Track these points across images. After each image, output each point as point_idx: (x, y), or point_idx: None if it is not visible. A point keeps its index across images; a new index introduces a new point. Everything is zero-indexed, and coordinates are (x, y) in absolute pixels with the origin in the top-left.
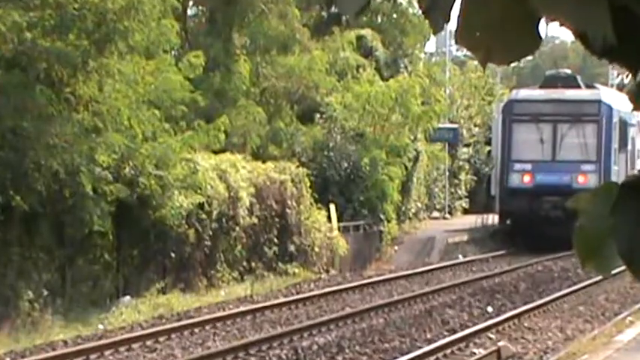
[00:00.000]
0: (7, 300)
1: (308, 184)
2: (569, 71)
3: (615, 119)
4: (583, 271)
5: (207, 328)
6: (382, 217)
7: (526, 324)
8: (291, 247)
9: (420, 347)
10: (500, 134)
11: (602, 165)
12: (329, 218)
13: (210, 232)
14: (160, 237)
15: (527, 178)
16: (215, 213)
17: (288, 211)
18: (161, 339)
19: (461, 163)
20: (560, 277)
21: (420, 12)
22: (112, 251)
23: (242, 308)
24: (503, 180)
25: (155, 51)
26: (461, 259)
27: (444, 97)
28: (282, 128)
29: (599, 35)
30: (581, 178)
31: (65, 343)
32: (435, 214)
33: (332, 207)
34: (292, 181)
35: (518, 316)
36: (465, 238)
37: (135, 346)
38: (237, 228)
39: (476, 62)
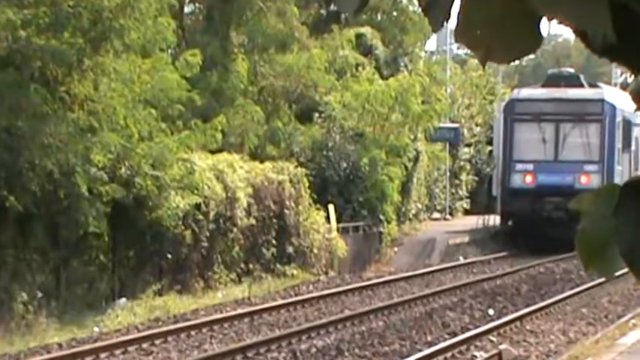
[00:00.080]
0: (1, 302)
1: (307, 184)
2: (571, 70)
3: (619, 119)
4: (586, 273)
5: (204, 330)
6: (382, 218)
7: (528, 327)
8: (290, 249)
9: (421, 350)
10: (502, 134)
11: (606, 165)
12: (328, 219)
13: (208, 233)
14: (156, 238)
15: (529, 179)
16: (212, 214)
17: (286, 211)
18: (157, 342)
19: (462, 163)
20: (563, 279)
21: (420, 10)
22: (108, 252)
23: (239, 310)
24: (505, 180)
25: (151, 49)
26: (462, 260)
27: (445, 96)
28: (280, 128)
29: (599, 34)
30: (583, 179)
31: (60, 345)
32: (436, 215)
33: (331, 208)
34: (291, 181)
35: (520, 318)
36: (466, 239)
37: (131, 349)
38: (235, 229)
39: (477, 61)
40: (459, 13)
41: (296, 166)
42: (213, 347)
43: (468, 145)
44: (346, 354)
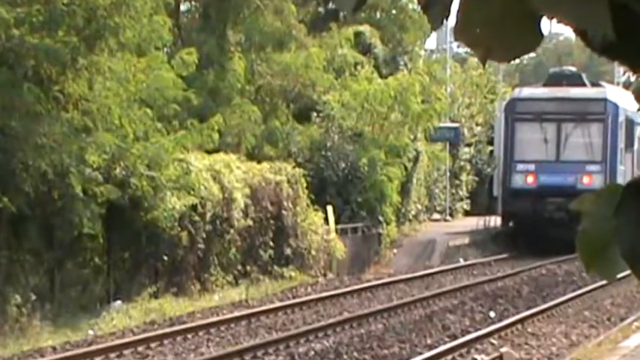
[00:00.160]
0: None
1: (304, 185)
2: (573, 69)
3: (621, 118)
4: (588, 275)
5: (201, 333)
6: (381, 219)
7: (529, 329)
8: (287, 250)
9: (420, 353)
10: (503, 134)
11: (608, 165)
12: (326, 220)
13: (204, 235)
14: (151, 240)
15: (530, 179)
16: (209, 215)
17: (284, 212)
18: (153, 345)
19: (462, 163)
20: (565, 280)
21: (419, 7)
22: (103, 254)
23: (236, 313)
24: (506, 181)
25: (147, 48)
26: (462, 262)
27: (445, 96)
28: (277, 127)
29: (598, 34)
30: (586, 179)
31: (54, 349)
32: (436, 215)
33: (329, 209)
34: (288, 182)
35: (521, 321)
36: (467, 240)
37: (126, 352)
38: (232, 230)
39: (477, 59)
40: (458, 11)
41: (294, 167)
42: (209, 350)
43: (469, 145)
44: (345, 357)
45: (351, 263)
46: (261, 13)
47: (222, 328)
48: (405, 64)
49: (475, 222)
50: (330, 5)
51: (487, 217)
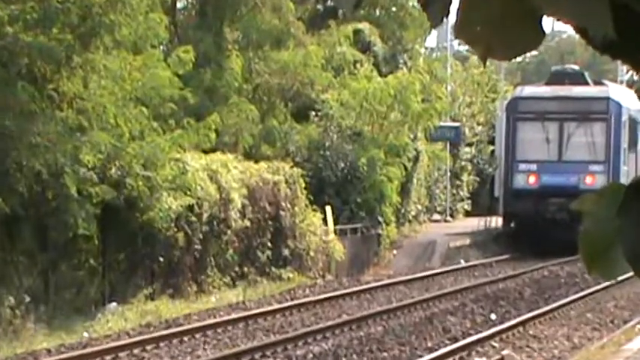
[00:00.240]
0: None
1: (303, 185)
2: (576, 67)
3: (625, 117)
4: (590, 277)
5: (197, 336)
6: (380, 219)
7: (531, 332)
8: (286, 251)
9: (421, 356)
10: (505, 133)
11: (611, 165)
12: (325, 221)
13: (201, 236)
14: (147, 241)
15: (532, 179)
16: (205, 215)
17: (282, 213)
18: (149, 347)
19: (463, 163)
20: (567, 282)
21: (419, 5)
22: (98, 256)
23: (234, 315)
24: (508, 181)
25: (143, 46)
26: (463, 263)
27: (446, 94)
28: (275, 127)
29: (599, 33)
30: (588, 179)
31: (49, 351)
32: (436, 216)
33: (328, 209)
34: (286, 182)
35: (523, 323)
36: (467, 241)
37: (121, 355)
38: (229, 231)
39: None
40: (458, 9)
41: (292, 166)
42: (206, 353)
43: (470, 145)
44: None
45: (350, 264)
46: (259, 11)
47: (219, 330)
48: (405, 63)
49: (476, 223)
50: (329, 3)
51: (488, 218)
